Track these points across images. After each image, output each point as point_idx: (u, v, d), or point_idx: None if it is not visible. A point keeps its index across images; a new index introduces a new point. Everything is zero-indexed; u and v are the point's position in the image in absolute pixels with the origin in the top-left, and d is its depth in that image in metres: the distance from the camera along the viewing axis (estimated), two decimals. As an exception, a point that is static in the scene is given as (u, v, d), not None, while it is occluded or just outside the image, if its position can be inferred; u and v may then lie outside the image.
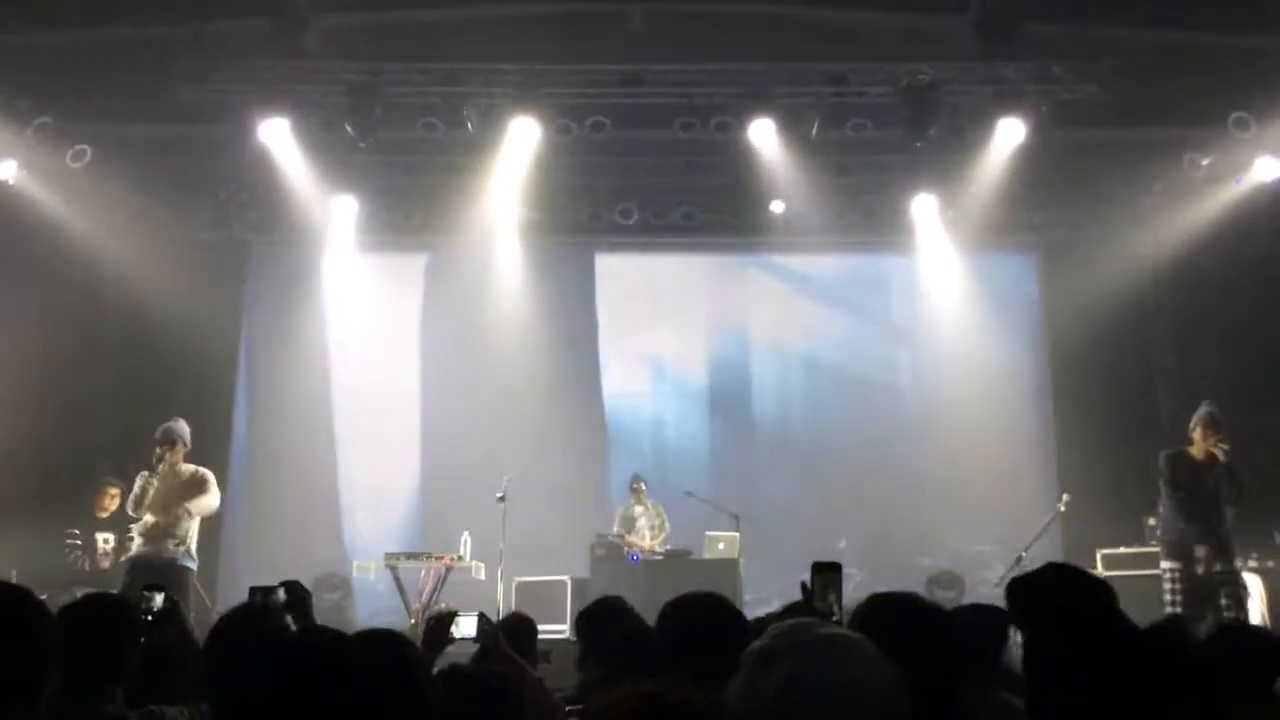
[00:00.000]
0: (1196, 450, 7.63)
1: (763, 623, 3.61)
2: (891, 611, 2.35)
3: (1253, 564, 8.89)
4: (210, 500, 8.06)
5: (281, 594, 3.64)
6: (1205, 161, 9.93)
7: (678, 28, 9.46)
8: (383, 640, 2.46)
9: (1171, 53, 9.04)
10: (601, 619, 3.87)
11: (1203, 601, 7.17)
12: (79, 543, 9.37)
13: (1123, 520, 9.76)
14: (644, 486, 10.74)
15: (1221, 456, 7.49)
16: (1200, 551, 7.36)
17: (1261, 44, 8.62)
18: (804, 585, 2.50)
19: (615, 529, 10.53)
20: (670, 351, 12.33)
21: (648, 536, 10.50)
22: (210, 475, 8.19)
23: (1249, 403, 10.10)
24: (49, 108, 9.19)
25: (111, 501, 9.40)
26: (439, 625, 3.25)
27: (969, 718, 2.31)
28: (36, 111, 9.13)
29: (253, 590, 3.67)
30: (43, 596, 2.98)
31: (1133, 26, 8.98)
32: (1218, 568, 7.36)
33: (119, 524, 9.32)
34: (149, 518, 7.90)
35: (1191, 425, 7.74)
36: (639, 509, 10.66)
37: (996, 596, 8.12)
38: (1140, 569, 8.90)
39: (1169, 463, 7.71)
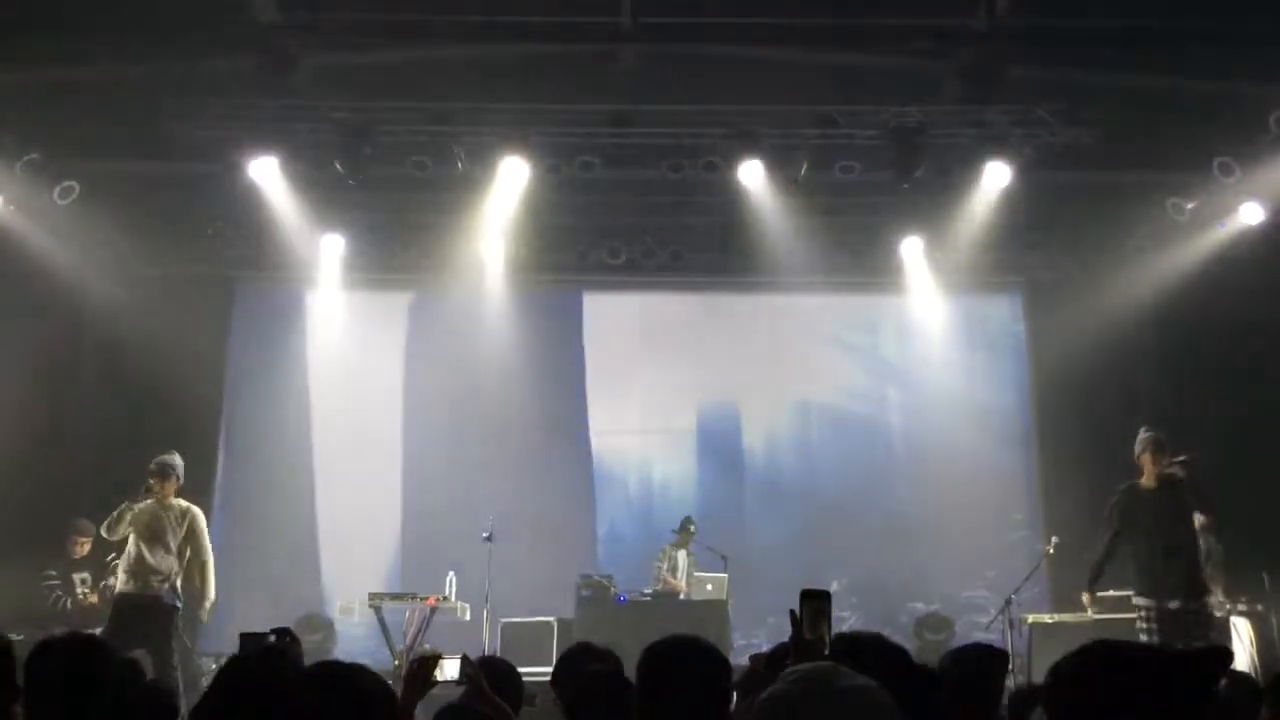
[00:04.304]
0: (1148, 479, 7.34)
1: (754, 666, 3.56)
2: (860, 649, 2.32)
3: (1242, 607, 8.85)
4: (207, 540, 8.06)
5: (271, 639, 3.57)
6: (1189, 206, 10.01)
7: (667, 69, 9.51)
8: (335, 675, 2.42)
9: (1156, 98, 9.13)
10: (575, 663, 3.82)
11: (1176, 641, 6.84)
12: (58, 582, 9.26)
13: (1112, 562, 9.70)
14: (694, 530, 10.60)
15: (1181, 473, 7.20)
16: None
17: (1245, 90, 8.71)
18: (793, 614, 2.46)
19: (658, 563, 10.38)
20: (658, 391, 12.28)
21: (682, 581, 10.35)
22: (200, 514, 8.14)
23: (1236, 445, 10.12)
24: (37, 144, 9.18)
25: (81, 549, 9.32)
26: (422, 667, 3.19)
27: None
28: (24, 148, 9.13)
29: (243, 636, 3.61)
30: (20, 636, 2.93)
31: (1117, 72, 9.07)
32: (1193, 605, 7.16)
33: (95, 563, 9.24)
34: (132, 551, 7.82)
35: (1137, 453, 7.42)
36: (681, 552, 10.53)
37: (987, 639, 8.06)
38: (1129, 612, 8.83)
39: (1119, 504, 7.36)
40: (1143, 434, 7.49)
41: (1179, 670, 1.75)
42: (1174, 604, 7.18)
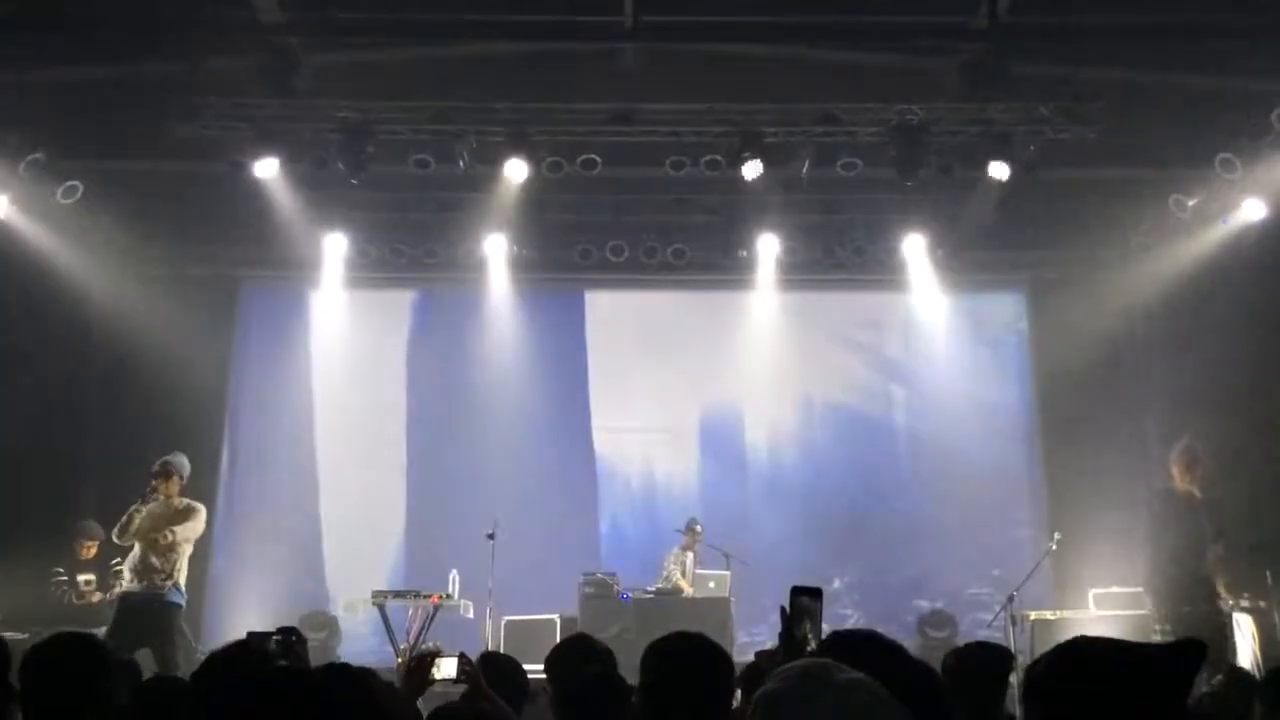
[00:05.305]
0: (1180, 486, 7.58)
1: (758, 661, 3.57)
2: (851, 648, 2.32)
3: (1244, 604, 8.85)
4: (195, 525, 8.03)
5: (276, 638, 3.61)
6: (1191, 202, 10.00)
7: (669, 67, 9.51)
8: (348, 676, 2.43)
9: (1158, 95, 9.12)
10: (571, 659, 3.82)
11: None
12: (65, 579, 9.30)
13: (1115, 559, 9.72)
14: (700, 530, 10.56)
15: (1199, 494, 7.40)
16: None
17: (1248, 87, 8.70)
18: (783, 610, 2.47)
19: (670, 567, 10.36)
20: (661, 389, 12.28)
21: (688, 580, 10.33)
22: (201, 508, 8.16)
23: (1238, 442, 10.10)
24: (41, 144, 9.20)
25: (88, 552, 9.34)
26: (420, 665, 3.20)
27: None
28: (29, 148, 9.14)
29: (250, 636, 3.64)
30: (24, 635, 2.96)
31: (1119, 69, 9.07)
32: (1204, 608, 7.26)
33: (101, 564, 9.26)
34: (137, 551, 7.84)
35: (1172, 460, 7.69)
36: (690, 554, 10.52)
37: (990, 637, 8.07)
38: (1132, 608, 8.87)
39: (1160, 501, 7.62)
40: (1182, 441, 7.74)
41: (1154, 665, 1.75)
42: (1186, 608, 7.27)
